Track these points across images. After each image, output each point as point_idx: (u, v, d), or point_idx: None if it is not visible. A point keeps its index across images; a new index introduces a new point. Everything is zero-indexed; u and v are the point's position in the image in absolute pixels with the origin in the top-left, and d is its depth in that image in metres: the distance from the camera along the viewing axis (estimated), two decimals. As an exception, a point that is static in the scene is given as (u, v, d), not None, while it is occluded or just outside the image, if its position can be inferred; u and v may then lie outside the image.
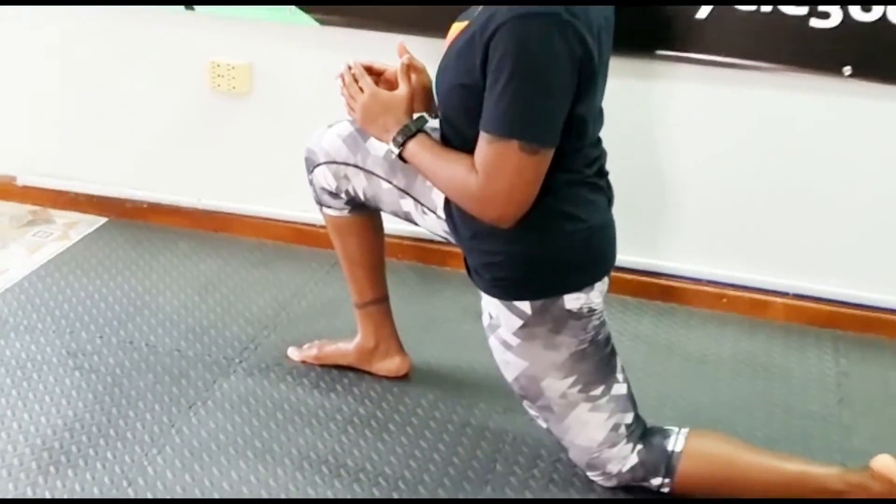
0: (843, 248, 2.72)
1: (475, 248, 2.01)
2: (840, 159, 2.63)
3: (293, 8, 2.81)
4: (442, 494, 2.08)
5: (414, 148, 1.94)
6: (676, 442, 2.03)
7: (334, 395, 2.38)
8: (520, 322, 1.97)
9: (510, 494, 2.09)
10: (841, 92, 2.54)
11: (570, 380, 2.01)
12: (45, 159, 3.23)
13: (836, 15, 2.44)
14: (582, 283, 1.97)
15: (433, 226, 2.19)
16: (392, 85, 2.04)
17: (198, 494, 2.04)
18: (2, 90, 3.18)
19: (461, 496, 2.08)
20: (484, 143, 1.81)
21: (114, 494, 2.03)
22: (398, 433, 2.26)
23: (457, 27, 1.93)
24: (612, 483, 2.08)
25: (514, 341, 2.00)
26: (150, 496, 2.03)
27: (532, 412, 2.10)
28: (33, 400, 2.30)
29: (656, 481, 2.04)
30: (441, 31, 2.02)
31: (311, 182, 2.31)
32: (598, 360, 2.02)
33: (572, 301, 1.95)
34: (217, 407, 2.31)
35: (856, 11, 2.42)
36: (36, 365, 2.43)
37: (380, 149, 2.18)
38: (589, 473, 2.10)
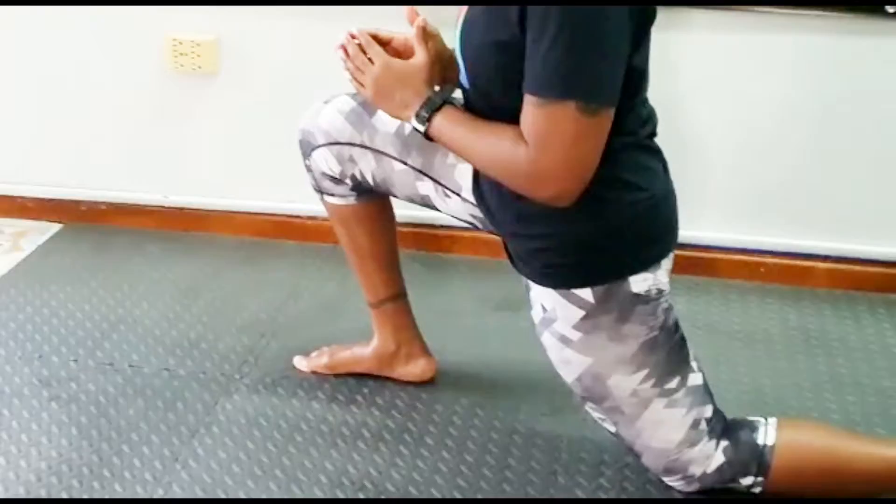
0: (887, 205, 2.51)
1: (520, 232, 1.75)
2: (876, 106, 2.42)
3: (263, -25, 2.52)
4: (502, 516, 1.81)
5: (442, 122, 1.67)
6: (767, 435, 1.79)
7: (356, 407, 2.09)
8: (581, 313, 1.72)
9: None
10: (885, 33, 2.33)
11: (642, 374, 1.75)
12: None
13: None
14: (649, 261, 1.72)
15: (458, 210, 1.92)
16: (402, 55, 1.77)
17: (219, 540, 1.74)
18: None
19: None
20: (532, 107, 1.54)
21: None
22: (437, 447, 1.98)
23: None
24: (695, 487, 1.83)
25: (575, 335, 1.74)
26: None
27: (597, 415, 1.84)
28: (8, 441, 1.97)
29: (747, 481, 1.80)
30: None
31: (308, 168, 2.02)
32: (671, 349, 1.77)
33: (639, 283, 1.71)
34: (224, 432, 2.01)
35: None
36: (4, 399, 2.10)
37: (390, 124, 1.91)
38: (667, 479, 1.84)
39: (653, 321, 1.73)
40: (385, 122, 1.91)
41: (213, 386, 2.15)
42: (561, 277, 1.73)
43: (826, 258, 2.58)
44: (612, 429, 1.83)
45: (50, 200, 2.87)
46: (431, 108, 1.68)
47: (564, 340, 1.76)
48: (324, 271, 2.61)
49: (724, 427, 1.81)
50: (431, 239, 2.70)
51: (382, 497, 1.84)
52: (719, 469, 1.79)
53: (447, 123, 1.67)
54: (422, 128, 1.68)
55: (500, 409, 2.09)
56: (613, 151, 1.63)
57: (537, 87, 1.53)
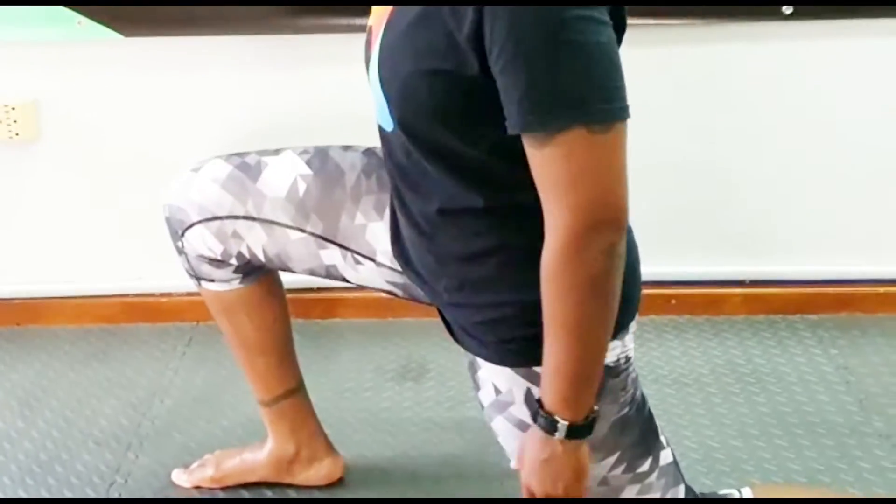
0: (797, 224, 2.36)
1: (464, 302, 1.45)
2: (774, 119, 2.28)
3: (83, 20, 2.17)
4: None
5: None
6: (745, 507, 1.56)
7: (256, 527, 1.77)
8: None
9: None
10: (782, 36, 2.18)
11: (612, 459, 1.49)
12: None
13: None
14: (620, 326, 1.43)
15: (372, 279, 1.63)
16: None
17: None
18: None
19: None
20: (534, 152, 1.23)
21: None
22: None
23: None
24: (672, 574, 1.58)
25: (536, 421, 1.46)
26: None
27: (552, 507, 1.57)
28: None
29: (730, 557, 1.57)
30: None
31: (180, 250, 1.70)
32: (642, 425, 1.52)
33: (609, 353, 1.43)
34: (100, 581, 1.65)
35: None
36: None
37: (279, 187, 1.61)
38: (640, 569, 1.59)
39: (623, 396, 1.47)
40: (272, 185, 1.61)
41: (78, 519, 1.79)
42: (519, 354, 1.43)
43: (741, 283, 2.40)
44: (573, 522, 1.57)
45: None
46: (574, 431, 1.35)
47: (522, 426, 1.45)
48: (190, 356, 2.27)
49: (698, 507, 1.58)
50: (310, 304, 2.38)
51: None
52: (700, 552, 1.56)
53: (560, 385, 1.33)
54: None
55: (424, 505, 1.81)
56: None
57: (530, 124, 1.22)
